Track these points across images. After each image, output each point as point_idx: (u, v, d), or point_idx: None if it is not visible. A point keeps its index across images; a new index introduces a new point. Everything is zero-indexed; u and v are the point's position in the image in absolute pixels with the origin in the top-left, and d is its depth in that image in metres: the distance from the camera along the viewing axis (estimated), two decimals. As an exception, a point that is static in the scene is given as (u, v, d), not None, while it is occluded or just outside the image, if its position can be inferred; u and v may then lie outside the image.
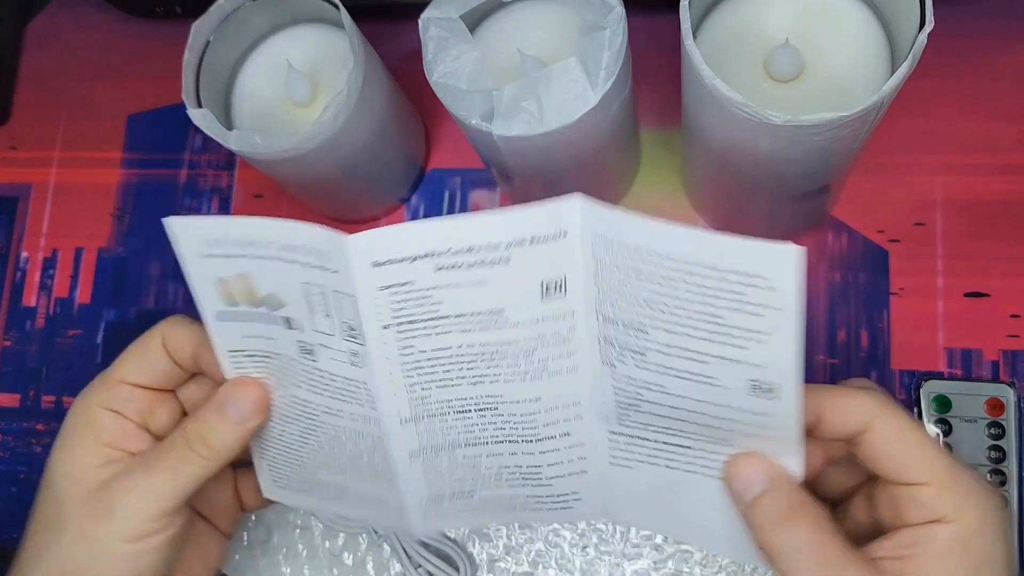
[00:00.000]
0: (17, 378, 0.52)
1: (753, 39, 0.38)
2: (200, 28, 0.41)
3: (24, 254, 0.54)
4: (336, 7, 0.41)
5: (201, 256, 0.36)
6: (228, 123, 0.44)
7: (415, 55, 0.39)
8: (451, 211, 0.51)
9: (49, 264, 0.54)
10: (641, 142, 0.50)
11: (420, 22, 0.39)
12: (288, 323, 0.35)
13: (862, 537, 0.32)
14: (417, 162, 0.51)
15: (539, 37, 0.41)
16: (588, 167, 0.43)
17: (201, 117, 0.40)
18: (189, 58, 0.41)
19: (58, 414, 0.51)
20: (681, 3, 0.34)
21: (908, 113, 0.48)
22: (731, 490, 0.32)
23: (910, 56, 0.32)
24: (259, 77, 0.45)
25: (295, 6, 0.43)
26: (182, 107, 0.41)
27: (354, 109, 0.40)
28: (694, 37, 0.34)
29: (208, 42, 0.42)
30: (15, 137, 0.56)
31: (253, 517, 0.48)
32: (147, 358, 0.38)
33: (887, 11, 0.37)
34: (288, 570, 0.47)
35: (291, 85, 0.43)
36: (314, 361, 0.36)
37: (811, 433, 0.32)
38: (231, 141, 0.40)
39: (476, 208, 0.51)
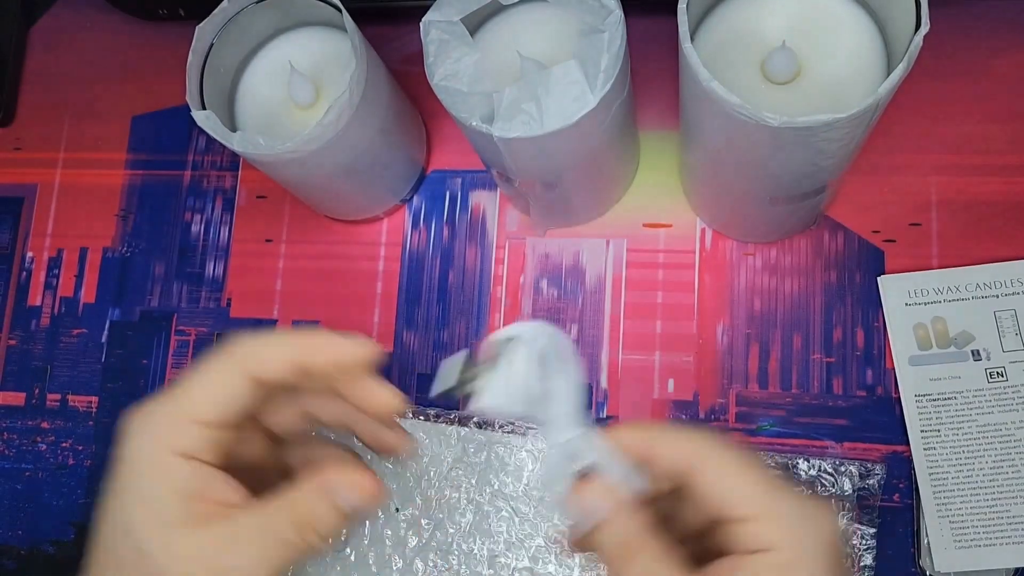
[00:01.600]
0: (22, 377, 0.53)
1: (750, 42, 0.38)
2: (204, 31, 0.42)
3: (29, 254, 0.55)
4: (338, 10, 0.41)
5: (904, 305, 0.45)
6: (231, 125, 0.45)
7: (416, 58, 0.40)
8: (452, 212, 0.52)
9: (54, 264, 0.54)
10: (640, 143, 0.50)
11: (421, 25, 0.39)
12: (975, 355, 0.43)
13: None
14: (418, 163, 0.51)
15: (539, 40, 0.41)
16: (587, 168, 0.43)
17: (205, 119, 0.41)
18: (193, 60, 0.42)
19: (63, 412, 0.52)
20: (679, 6, 0.34)
21: (904, 114, 0.48)
22: (575, 513, 0.33)
23: (905, 58, 0.33)
24: (262, 79, 0.45)
25: (298, 9, 0.43)
26: (186, 109, 0.41)
27: (356, 111, 0.41)
28: (692, 40, 0.34)
29: (212, 44, 0.42)
30: (20, 138, 0.57)
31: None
32: (227, 391, 0.33)
33: (883, 14, 0.37)
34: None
35: (294, 87, 0.43)
36: (1005, 381, 0.44)
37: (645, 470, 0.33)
38: (234, 143, 0.40)
39: (476, 209, 0.51)
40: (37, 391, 0.52)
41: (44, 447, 0.52)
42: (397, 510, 0.46)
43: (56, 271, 0.54)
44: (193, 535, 0.32)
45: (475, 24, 0.41)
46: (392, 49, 0.53)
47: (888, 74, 0.33)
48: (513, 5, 0.41)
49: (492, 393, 0.30)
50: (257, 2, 0.42)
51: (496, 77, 0.39)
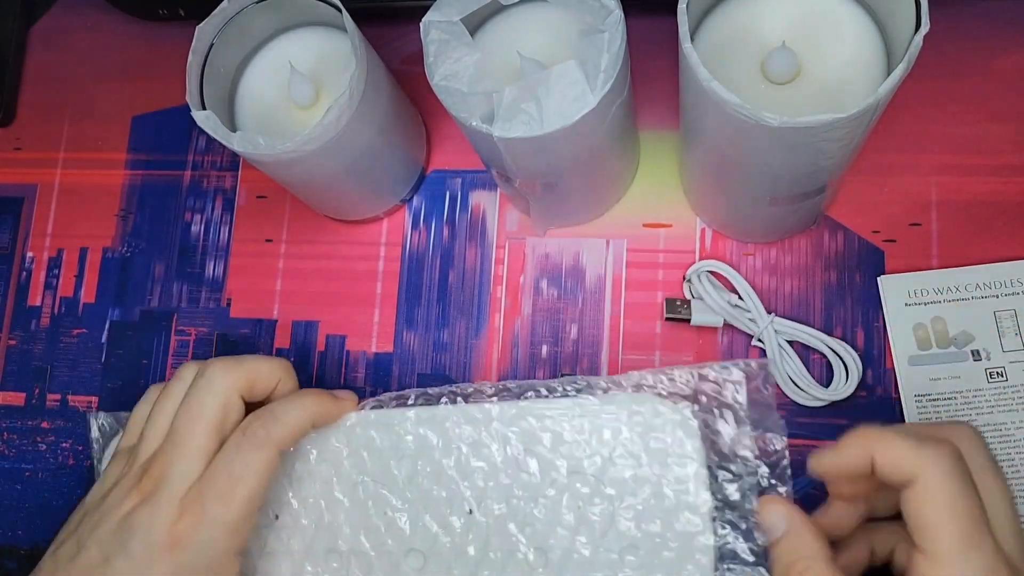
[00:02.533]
0: (22, 377, 0.53)
1: (750, 42, 0.38)
2: (204, 31, 0.42)
3: (29, 254, 0.55)
4: (338, 10, 0.41)
5: (904, 305, 0.45)
6: (231, 125, 0.45)
7: (416, 58, 0.40)
8: (452, 212, 0.52)
9: (54, 264, 0.54)
10: (640, 143, 0.50)
11: (421, 25, 0.39)
12: (975, 355, 0.42)
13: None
14: (418, 163, 0.51)
15: (539, 40, 0.41)
16: (587, 168, 0.43)
17: (205, 119, 0.41)
18: (193, 60, 0.42)
19: (63, 412, 0.52)
20: (679, 6, 0.35)
21: (904, 114, 0.48)
22: (760, 526, 0.34)
23: (906, 58, 0.33)
24: (262, 79, 0.45)
25: (298, 9, 0.43)
26: (186, 109, 0.41)
27: (356, 111, 0.41)
28: (692, 40, 0.34)
29: (212, 45, 0.42)
30: (20, 138, 0.57)
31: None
32: (268, 476, 0.38)
33: (883, 14, 0.37)
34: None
35: (293, 87, 0.43)
36: (1005, 381, 0.44)
37: (868, 475, 0.32)
38: (234, 143, 0.40)
39: (476, 209, 0.51)
40: (37, 391, 0.52)
41: (44, 447, 0.52)
42: (276, 517, 0.42)
43: (56, 271, 0.54)
44: None
45: (475, 24, 0.41)
46: (392, 49, 0.53)
47: (888, 74, 0.33)
48: (513, 5, 0.41)
49: None
50: (257, 2, 0.42)
51: (496, 77, 0.39)
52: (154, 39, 0.56)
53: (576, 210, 0.49)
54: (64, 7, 0.58)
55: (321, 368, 0.51)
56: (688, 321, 0.47)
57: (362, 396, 0.50)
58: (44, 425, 0.52)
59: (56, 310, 0.54)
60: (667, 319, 0.47)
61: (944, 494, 0.30)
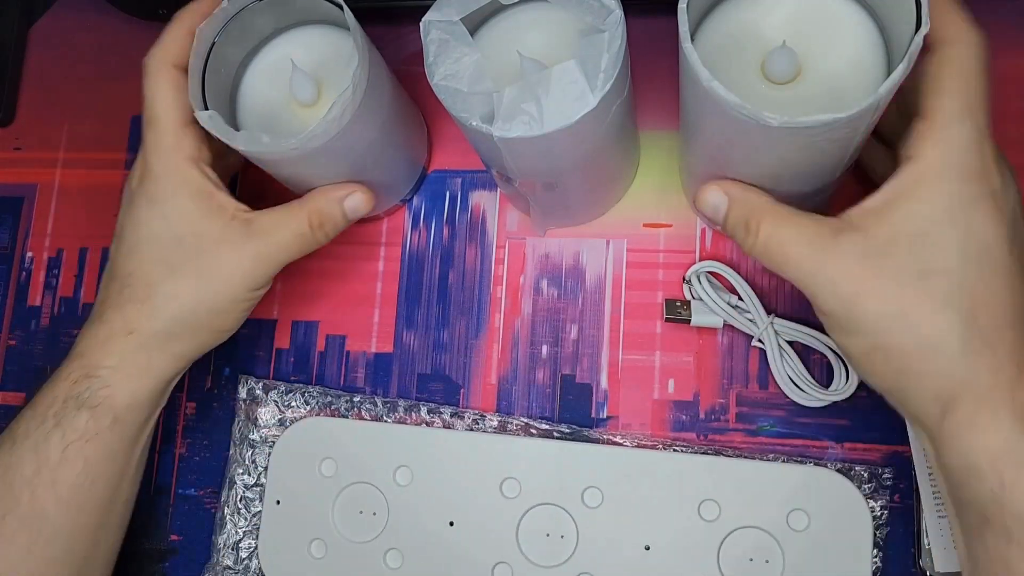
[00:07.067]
0: (22, 377, 0.53)
1: (750, 41, 0.38)
2: (204, 31, 0.42)
3: (29, 254, 0.55)
4: (340, 8, 0.41)
5: None
6: (233, 124, 0.45)
7: (416, 58, 0.40)
8: (452, 211, 0.52)
9: (54, 264, 0.54)
10: (640, 143, 0.50)
11: (421, 25, 0.39)
12: None
13: None
14: (419, 163, 0.51)
15: (539, 40, 0.41)
16: (587, 168, 0.43)
17: (208, 119, 0.41)
18: (194, 61, 0.42)
19: (63, 412, 0.52)
20: (679, 6, 0.35)
21: (904, 115, 0.48)
22: (706, 219, 0.37)
23: (906, 58, 0.33)
24: (264, 78, 0.45)
25: (299, 7, 0.43)
26: (186, 108, 0.41)
27: (358, 108, 0.41)
28: (692, 39, 0.34)
29: (213, 44, 0.42)
30: (20, 138, 0.57)
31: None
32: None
33: (883, 13, 0.37)
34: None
35: (295, 85, 0.43)
36: None
37: None
38: (238, 141, 0.40)
39: (476, 209, 0.51)
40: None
41: (44, 447, 0.52)
42: (279, 503, 0.49)
43: (56, 271, 0.54)
44: (217, 223, 0.41)
45: (475, 24, 0.41)
46: (392, 49, 0.53)
47: (888, 74, 0.33)
48: (513, 5, 0.41)
49: None
50: (258, 1, 0.42)
51: (496, 77, 0.39)
52: (154, 39, 0.56)
53: (576, 210, 0.49)
54: (64, 7, 0.58)
55: (321, 368, 0.51)
56: (688, 322, 0.47)
57: (362, 395, 0.50)
58: (44, 425, 0.52)
59: (56, 310, 0.54)
60: (667, 320, 0.47)
61: (968, 64, 0.34)
